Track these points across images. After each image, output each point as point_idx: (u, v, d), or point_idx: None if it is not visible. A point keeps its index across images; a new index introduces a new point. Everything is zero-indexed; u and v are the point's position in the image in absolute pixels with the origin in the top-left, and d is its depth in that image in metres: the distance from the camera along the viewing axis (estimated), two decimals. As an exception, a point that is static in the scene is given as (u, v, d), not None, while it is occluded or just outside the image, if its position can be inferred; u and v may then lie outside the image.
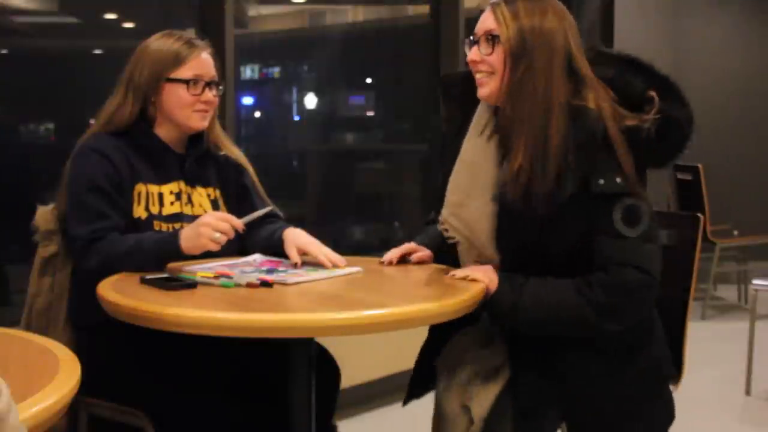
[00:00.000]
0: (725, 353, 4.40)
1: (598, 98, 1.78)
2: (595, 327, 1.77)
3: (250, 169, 2.26)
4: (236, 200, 2.20)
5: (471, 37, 1.88)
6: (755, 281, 3.81)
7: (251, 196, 2.22)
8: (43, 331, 2.06)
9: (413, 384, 2.08)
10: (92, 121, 2.15)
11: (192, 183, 2.14)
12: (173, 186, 2.10)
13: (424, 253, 2.06)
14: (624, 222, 1.75)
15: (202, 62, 2.10)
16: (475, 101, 1.91)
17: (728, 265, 5.88)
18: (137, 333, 1.70)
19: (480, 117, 1.91)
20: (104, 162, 2.03)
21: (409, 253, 2.07)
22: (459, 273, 1.84)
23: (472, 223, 1.85)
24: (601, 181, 1.73)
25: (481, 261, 1.88)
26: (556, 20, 1.80)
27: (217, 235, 1.89)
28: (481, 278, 1.80)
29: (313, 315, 1.59)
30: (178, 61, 2.07)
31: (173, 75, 2.07)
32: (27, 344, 1.38)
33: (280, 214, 2.24)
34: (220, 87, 2.14)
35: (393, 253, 2.05)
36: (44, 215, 2.13)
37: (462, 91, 1.97)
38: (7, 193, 3.04)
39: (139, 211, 2.04)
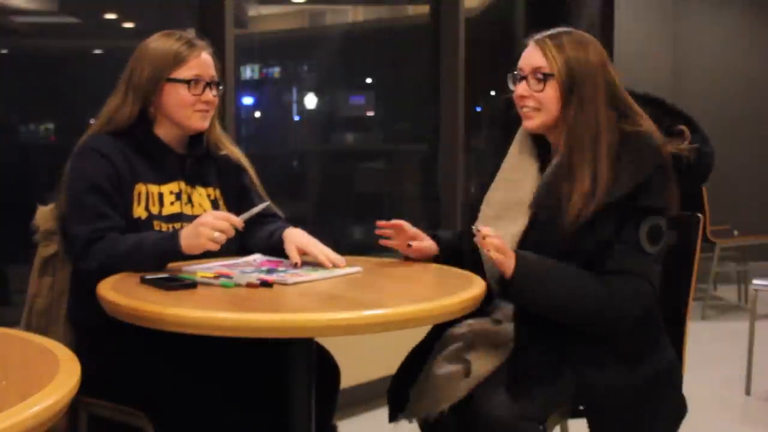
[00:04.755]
0: (725, 353, 4.40)
1: (649, 125, 1.90)
2: (599, 321, 1.86)
3: (251, 169, 2.26)
4: (236, 200, 2.20)
5: (516, 72, 1.97)
6: (755, 281, 3.81)
7: (250, 196, 2.22)
8: (43, 331, 2.06)
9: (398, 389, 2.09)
10: (92, 121, 2.15)
11: (192, 183, 2.14)
12: (173, 186, 2.10)
13: (428, 243, 2.12)
14: (648, 238, 1.86)
15: (203, 62, 2.10)
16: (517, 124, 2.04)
17: (728, 265, 5.88)
18: (137, 333, 1.70)
19: (521, 139, 2.04)
20: (104, 162, 2.03)
21: (410, 237, 2.12)
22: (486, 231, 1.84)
23: (505, 234, 1.91)
24: (648, 198, 1.85)
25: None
26: (597, 54, 1.92)
27: (216, 234, 1.88)
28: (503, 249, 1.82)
29: (313, 315, 1.59)
30: (178, 60, 2.07)
31: (174, 75, 2.07)
32: (27, 344, 1.38)
33: (279, 213, 2.24)
34: (220, 87, 2.15)
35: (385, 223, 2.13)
36: (44, 215, 2.14)
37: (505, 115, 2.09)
38: (7, 193, 3.04)
39: (139, 211, 2.04)
